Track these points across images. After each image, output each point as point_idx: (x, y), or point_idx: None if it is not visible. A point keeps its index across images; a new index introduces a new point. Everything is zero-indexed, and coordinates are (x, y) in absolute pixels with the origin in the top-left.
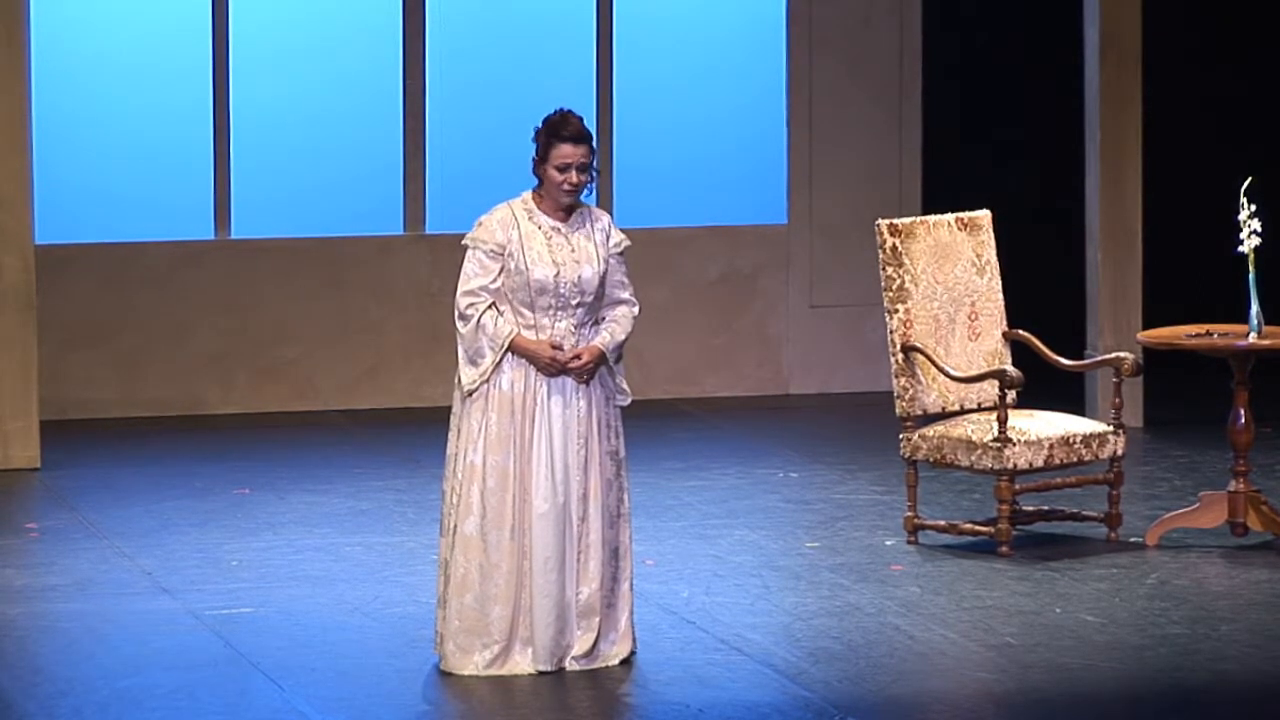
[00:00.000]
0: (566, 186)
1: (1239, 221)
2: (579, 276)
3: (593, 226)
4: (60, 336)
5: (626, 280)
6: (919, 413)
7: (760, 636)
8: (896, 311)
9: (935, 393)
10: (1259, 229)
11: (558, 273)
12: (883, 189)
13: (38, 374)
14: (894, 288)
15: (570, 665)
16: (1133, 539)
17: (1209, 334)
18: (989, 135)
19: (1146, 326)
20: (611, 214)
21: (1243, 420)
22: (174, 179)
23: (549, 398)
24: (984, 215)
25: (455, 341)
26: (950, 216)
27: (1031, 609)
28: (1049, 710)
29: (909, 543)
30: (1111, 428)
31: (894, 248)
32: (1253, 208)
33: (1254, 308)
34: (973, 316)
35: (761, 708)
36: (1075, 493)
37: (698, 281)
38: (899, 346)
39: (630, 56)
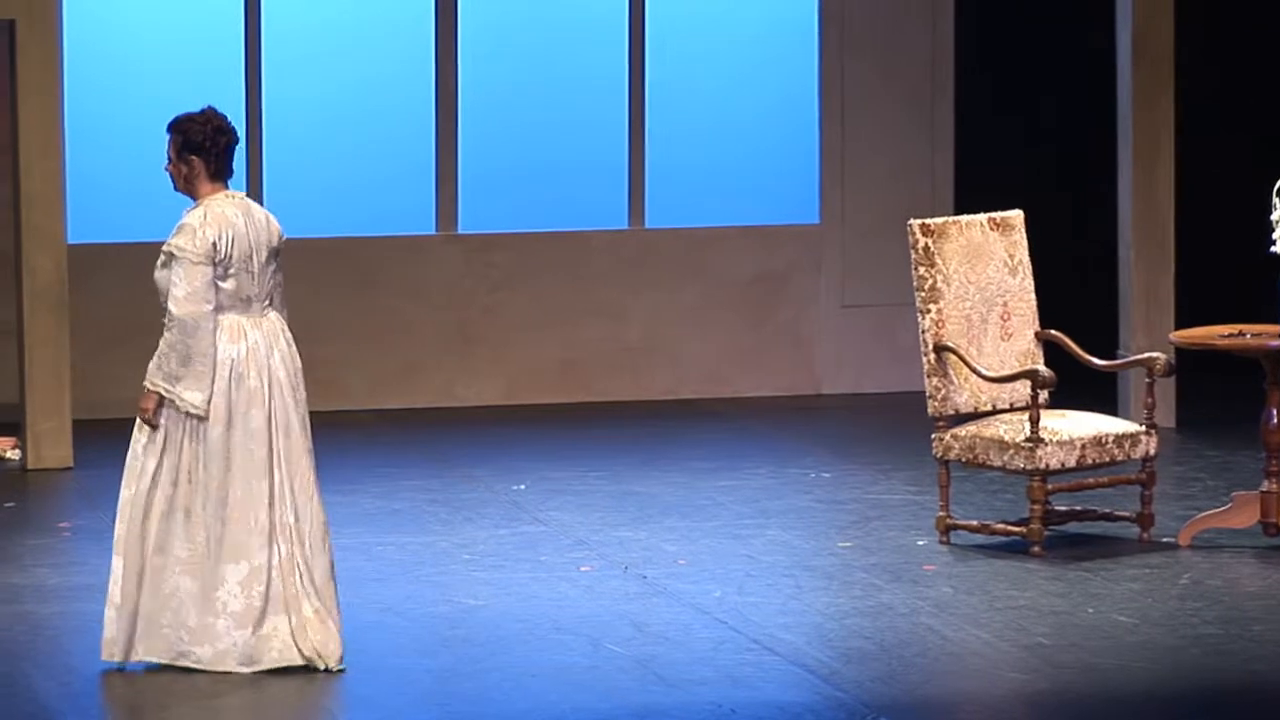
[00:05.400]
0: None
1: (1271, 222)
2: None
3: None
4: (93, 336)
5: (171, 289)
6: (951, 413)
7: (793, 636)
8: (929, 311)
9: (967, 393)
10: None
11: None
12: (915, 189)
13: (70, 374)
14: (926, 287)
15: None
16: (1165, 539)
17: (1241, 334)
18: (1021, 135)
19: (1179, 326)
20: (643, 213)
21: (1275, 420)
22: None
23: None
24: (1016, 215)
25: (483, 343)
26: (983, 216)
27: (1064, 609)
28: (1081, 710)
29: (941, 543)
30: (1144, 428)
31: (926, 248)
32: None
33: None
34: (1005, 316)
35: (794, 708)
36: (1108, 493)
37: (730, 281)
38: (931, 346)
39: (663, 56)
